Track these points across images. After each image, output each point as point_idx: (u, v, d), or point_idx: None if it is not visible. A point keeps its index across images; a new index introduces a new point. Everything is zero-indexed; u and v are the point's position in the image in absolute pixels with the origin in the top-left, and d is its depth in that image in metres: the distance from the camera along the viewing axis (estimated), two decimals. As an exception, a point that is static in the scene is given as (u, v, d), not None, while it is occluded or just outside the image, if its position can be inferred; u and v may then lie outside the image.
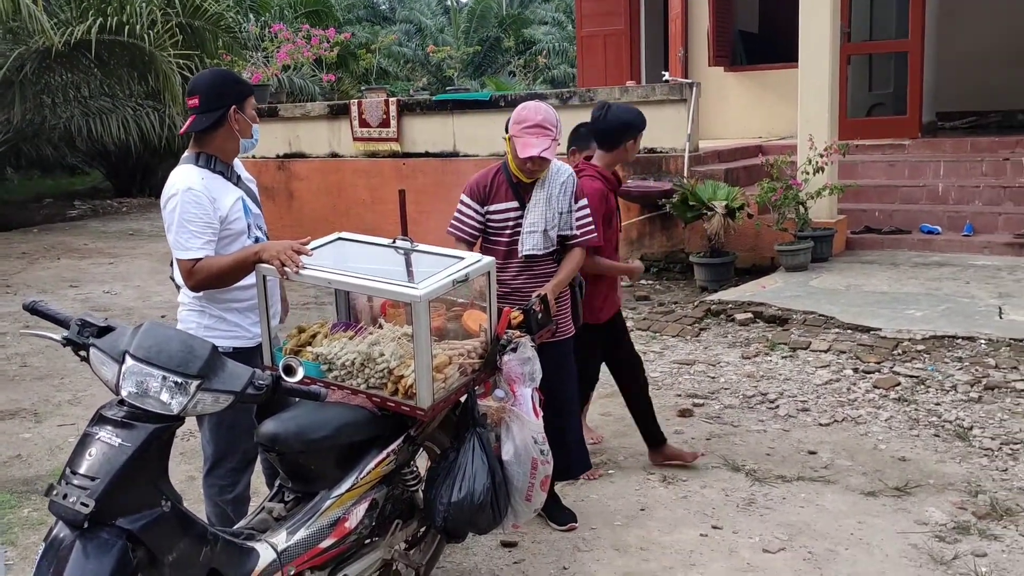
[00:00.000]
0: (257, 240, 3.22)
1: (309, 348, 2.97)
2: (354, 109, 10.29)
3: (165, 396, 2.18)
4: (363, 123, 10.23)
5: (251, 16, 19.26)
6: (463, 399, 2.97)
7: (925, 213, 8.60)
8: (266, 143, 11.25)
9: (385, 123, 10.06)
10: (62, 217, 16.58)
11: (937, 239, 8.21)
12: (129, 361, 2.19)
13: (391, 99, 10.19)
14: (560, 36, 26.50)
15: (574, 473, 3.88)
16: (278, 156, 11.19)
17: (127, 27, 12.85)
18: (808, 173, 7.74)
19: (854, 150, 8.75)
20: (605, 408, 5.16)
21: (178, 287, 3.21)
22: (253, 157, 11.32)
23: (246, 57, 13.16)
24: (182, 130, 3.12)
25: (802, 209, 7.73)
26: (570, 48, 24.87)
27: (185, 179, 3.03)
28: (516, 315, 3.26)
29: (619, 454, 4.57)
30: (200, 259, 2.98)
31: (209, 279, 3.00)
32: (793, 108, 8.50)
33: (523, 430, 2.94)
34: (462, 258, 2.93)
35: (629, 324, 6.87)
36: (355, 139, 10.30)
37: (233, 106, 3.07)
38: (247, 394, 2.27)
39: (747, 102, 11.68)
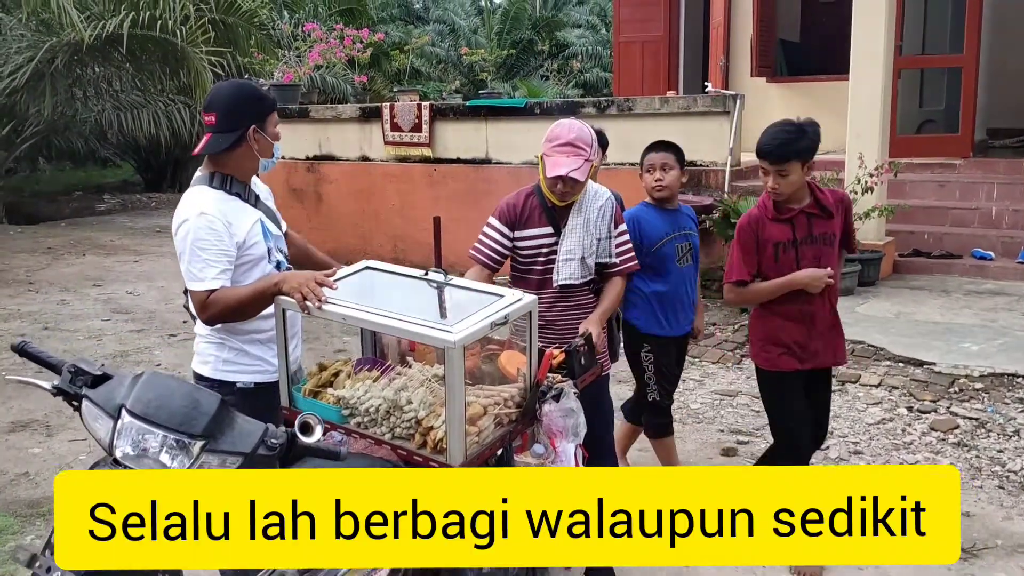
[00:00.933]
0: (279, 265, 2.98)
1: (330, 390, 2.71)
2: (386, 112, 10.05)
3: (165, 458, 1.93)
4: (395, 127, 9.98)
5: (285, 13, 19.12)
6: (498, 452, 2.69)
7: (977, 237, 8.22)
8: (296, 144, 11.06)
9: (417, 127, 9.80)
10: (91, 211, 16.51)
11: (990, 265, 7.82)
12: (126, 417, 1.93)
13: (424, 103, 9.93)
14: (593, 40, 26.15)
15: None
16: (308, 158, 10.97)
17: (159, 22, 12.71)
18: (857, 192, 7.39)
19: (903, 169, 8.38)
20: (641, 443, 4.86)
21: (193, 317, 2.96)
22: (283, 158, 11.13)
23: (278, 56, 12.95)
24: (196, 150, 2.86)
25: (849, 230, 7.39)
26: (603, 52, 24.52)
27: (198, 203, 2.78)
28: (557, 355, 2.99)
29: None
30: (215, 290, 2.73)
31: (225, 312, 2.75)
32: (839, 122, 8.14)
33: (564, 490, 2.65)
34: (501, 295, 2.66)
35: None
36: (386, 143, 10.05)
37: (253, 125, 2.82)
38: (258, 455, 2.01)
39: (789, 115, 11.13)
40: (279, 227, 3.10)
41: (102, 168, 22.20)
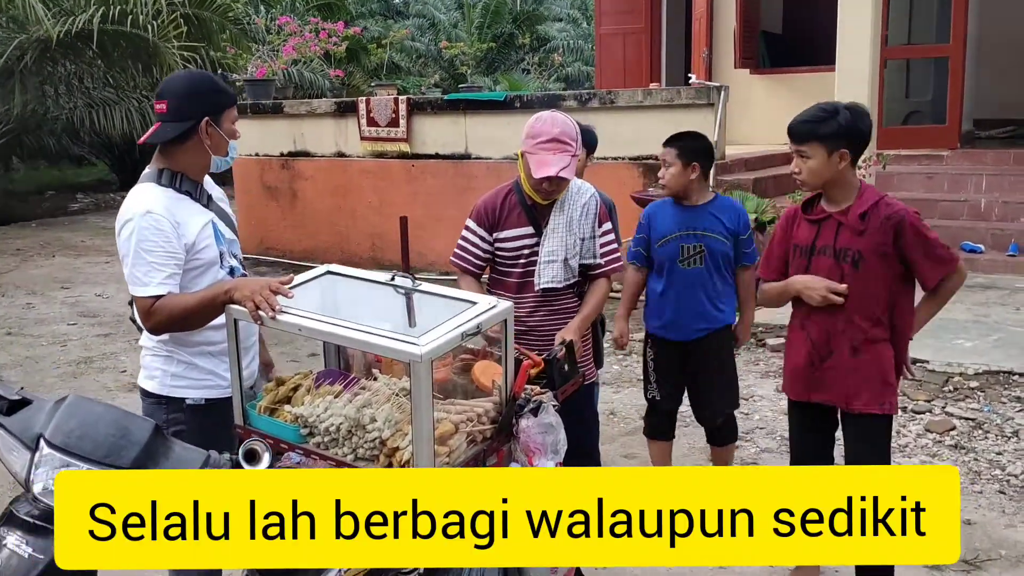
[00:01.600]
0: (232, 271, 2.75)
1: (288, 406, 2.48)
2: (362, 107, 9.80)
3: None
4: (371, 122, 9.74)
5: (262, 9, 18.81)
6: (471, 472, 2.47)
7: (966, 230, 8.06)
8: (270, 140, 10.81)
9: (394, 122, 9.56)
10: (63, 211, 16.16)
11: (980, 259, 7.66)
12: (45, 448, 1.71)
13: (401, 97, 9.69)
14: (575, 33, 25.96)
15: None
16: (282, 154, 10.70)
17: (130, 17, 12.41)
18: (845, 186, 7.22)
19: (890, 160, 8.22)
20: (628, 448, 4.67)
21: (140, 329, 2.73)
22: (256, 155, 10.87)
23: (252, 51, 12.67)
24: (142, 139, 2.65)
25: (837, 224, 7.22)
26: (585, 46, 24.32)
27: (144, 201, 2.55)
28: (536, 364, 2.78)
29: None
30: (161, 296, 2.49)
31: (171, 321, 2.51)
32: (827, 115, 7.98)
33: (543, 514, 2.44)
34: (473, 302, 2.44)
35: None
36: (363, 138, 9.81)
37: (207, 118, 2.59)
38: (197, 487, 1.79)
39: (774, 107, 11.11)
40: (234, 231, 2.88)
41: (77, 167, 21.79)
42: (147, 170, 2.69)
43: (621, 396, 5.47)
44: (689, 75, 9.26)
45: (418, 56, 25.04)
